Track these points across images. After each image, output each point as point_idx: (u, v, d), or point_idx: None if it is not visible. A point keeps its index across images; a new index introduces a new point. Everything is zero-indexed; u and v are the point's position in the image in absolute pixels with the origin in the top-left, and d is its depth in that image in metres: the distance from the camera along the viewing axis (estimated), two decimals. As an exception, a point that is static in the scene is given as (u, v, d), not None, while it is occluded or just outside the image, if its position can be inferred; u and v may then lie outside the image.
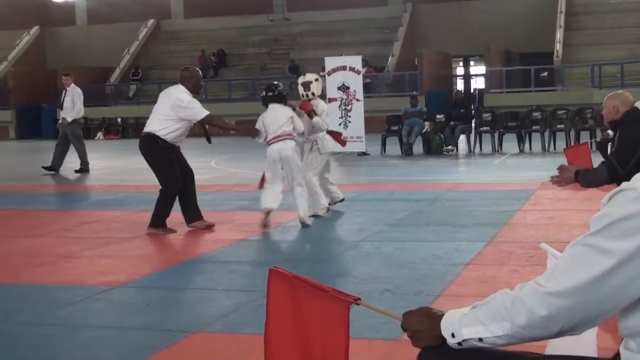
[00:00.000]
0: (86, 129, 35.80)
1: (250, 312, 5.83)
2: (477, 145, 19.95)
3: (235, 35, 40.05)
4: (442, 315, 2.18)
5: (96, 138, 34.87)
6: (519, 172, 15.22)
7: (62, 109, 18.78)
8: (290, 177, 9.62)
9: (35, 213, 11.83)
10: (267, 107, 9.99)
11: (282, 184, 9.68)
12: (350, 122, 20.19)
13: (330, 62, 20.84)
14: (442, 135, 19.97)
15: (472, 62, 41.26)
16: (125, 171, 18.19)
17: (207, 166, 18.26)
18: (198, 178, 15.61)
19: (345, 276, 6.58)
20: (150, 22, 41.64)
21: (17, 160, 24.41)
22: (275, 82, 10.67)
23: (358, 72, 20.36)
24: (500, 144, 19.81)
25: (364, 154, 19.96)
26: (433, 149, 19.79)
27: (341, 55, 22.95)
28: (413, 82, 32.24)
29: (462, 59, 40.45)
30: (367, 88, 24.88)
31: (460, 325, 2.10)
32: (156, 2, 41.77)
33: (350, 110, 20.20)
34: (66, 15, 43.65)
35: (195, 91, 9.86)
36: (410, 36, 36.56)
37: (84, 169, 18.00)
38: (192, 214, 9.59)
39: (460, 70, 41.79)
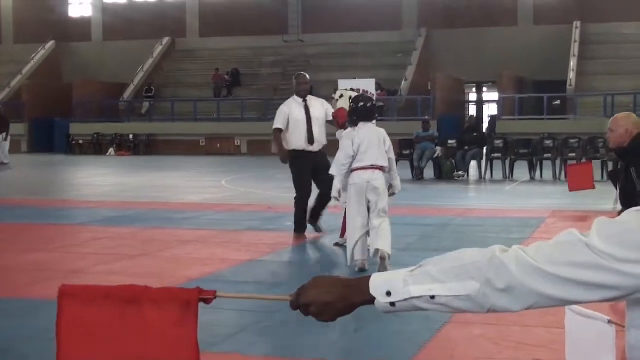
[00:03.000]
0: (98, 145, 36.02)
1: (257, 333, 5.83)
2: (488, 171, 19.93)
3: (249, 55, 40.21)
4: (356, 280, 2.02)
5: (108, 154, 34.98)
6: (529, 200, 15.18)
7: None
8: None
9: (46, 227, 11.86)
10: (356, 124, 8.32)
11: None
12: (361, 145, 20.17)
13: (344, 85, 20.84)
14: (453, 161, 19.95)
15: (485, 88, 41.29)
16: (136, 188, 18.22)
17: (217, 185, 18.30)
18: (208, 197, 15.72)
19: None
20: (166, 39, 41.84)
21: (29, 174, 24.49)
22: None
23: (371, 95, 20.39)
24: (512, 171, 19.78)
25: (373, 177, 19.92)
26: (444, 174, 19.77)
27: (354, 78, 23.00)
28: (426, 106, 32.28)
29: (475, 84, 40.50)
30: (380, 111, 24.86)
31: (405, 283, 1.93)
32: (172, 20, 41.99)
33: (362, 133, 20.20)
34: (82, 30, 43.91)
35: (298, 95, 10.73)
36: (424, 61, 36.64)
37: None
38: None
39: (473, 96, 41.83)
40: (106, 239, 10.38)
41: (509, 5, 37.22)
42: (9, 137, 27.81)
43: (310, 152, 10.50)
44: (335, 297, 2.00)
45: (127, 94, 39.20)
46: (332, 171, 8.33)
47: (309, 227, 10.49)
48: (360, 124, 8.19)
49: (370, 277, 1.98)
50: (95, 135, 36.45)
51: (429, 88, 34.07)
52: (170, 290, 2.37)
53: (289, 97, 11.04)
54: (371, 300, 1.97)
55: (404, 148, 21.10)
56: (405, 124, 28.86)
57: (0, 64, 43.31)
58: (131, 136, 36.01)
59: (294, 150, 10.40)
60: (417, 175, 19.69)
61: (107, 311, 2.40)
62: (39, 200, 15.81)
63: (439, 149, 20.16)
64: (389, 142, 8.34)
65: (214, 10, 41.59)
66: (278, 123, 10.65)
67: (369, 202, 8.12)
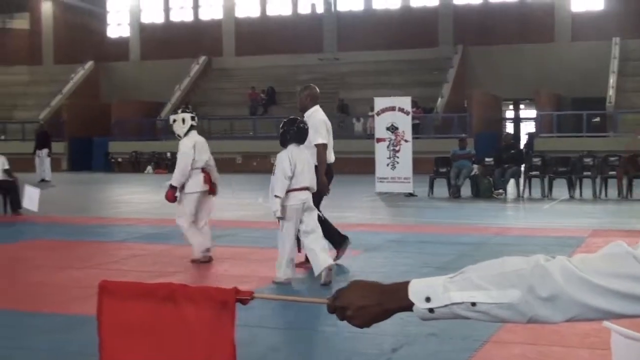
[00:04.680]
0: (136, 163, 36.34)
1: (294, 352, 5.83)
2: (526, 189, 19.78)
3: (285, 74, 40.37)
4: (394, 285, 1.98)
5: (146, 172, 35.25)
6: (569, 219, 15.03)
7: None
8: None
9: (86, 244, 11.98)
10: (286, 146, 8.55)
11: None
12: (398, 162, 20.20)
13: (380, 103, 20.92)
14: (490, 179, 19.83)
15: (522, 106, 41.04)
16: (174, 205, 18.30)
17: (254, 202, 18.35)
18: (244, 214, 15.77)
19: (390, 317, 6.54)
20: (202, 58, 42.18)
21: (69, 192, 24.76)
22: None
23: (407, 113, 20.40)
24: (550, 189, 19.61)
25: (411, 195, 19.90)
26: (481, 192, 19.65)
27: (390, 96, 23.02)
28: (462, 124, 32.17)
29: (512, 102, 40.27)
30: (415, 129, 24.92)
31: (445, 289, 1.89)
32: (208, 40, 42.34)
33: (398, 151, 20.21)
34: (120, 50, 44.44)
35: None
36: (460, 78, 36.55)
37: None
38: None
39: (510, 114, 41.60)
40: (144, 256, 10.46)
41: (547, 21, 37.02)
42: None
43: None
44: (371, 301, 1.97)
45: (165, 112, 39.48)
46: (277, 193, 8.28)
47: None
48: (291, 146, 8.37)
49: (408, 282, 1.96)
50: (133, 154, 36.78)
51: (465, 105, 33.95)
52: (208, 289, 2.37)
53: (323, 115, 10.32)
54: (409, 306, 1.94)
55: (440, 166, 21.04)
56: (442, 142, 28.78)
57: (41, 84, 43.97)
58: (169, 154, 36.22)
59: (329, 165, 9.70)
60: (454, 194, 19.60)
61: (145, 308, 2.41)
62: (79, 218, 15.97)
63: (476, 167, 20.06)
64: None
65: (250, 29, 41.87)
66: (323, 137, 9.49)
67: (300, 221, 8.35)
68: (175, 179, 9.99)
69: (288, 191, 8.30)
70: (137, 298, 2.45)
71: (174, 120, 10.25)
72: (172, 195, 9.96)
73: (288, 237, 8.40)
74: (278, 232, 8.58)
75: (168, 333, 2.41)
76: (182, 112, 10.38)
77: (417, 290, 1.93)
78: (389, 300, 1.97)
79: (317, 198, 8.95)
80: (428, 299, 1.91)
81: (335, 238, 9.69)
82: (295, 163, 8.30)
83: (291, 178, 8.29)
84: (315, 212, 8.59)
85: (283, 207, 8.29)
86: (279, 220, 8.46)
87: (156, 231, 13.22)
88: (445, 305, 1.89)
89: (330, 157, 9.62)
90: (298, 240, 8.75)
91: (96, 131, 38.05)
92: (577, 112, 32.28)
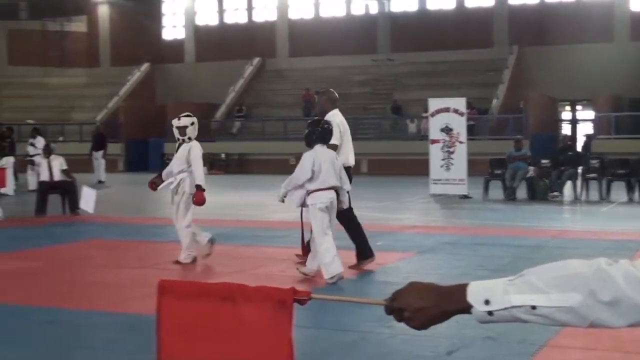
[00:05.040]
0: (191, 164, 36.62)
1: (349, 353, 5.83)
2: (584, 192, 19.50)
3: (338, 75, 40.38)
4: (452, 287, 1.97)
5: (200, 172, 35.52)
6: (628, 222, 14.78)
7: None
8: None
9: (142, 244, 12.13)
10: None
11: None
12: (452, 164, 20.07)
13: (434, 104, 20.81)
14: (547, 181, 19.60)
15: (579, 107, 40.50)
16: (228, 206, 18.45)
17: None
18: (298, 216, 15.76)
19: (446, 320, 6.50)
20: (256, 60, 42.40)
21: (125, 193, 25.08)
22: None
23: (462, 114, 20.25)
24: (608, 192, 19.30)
25: (465, 196, 19.76)
26: (537, 195, 19.42)
27: (444, 97, 22.88)
28: (518, 125, 31.84)
29: (569, 103, 39.75)
30: (470, 130, 24.72)
31: (505, 291, 1.88)
32: (262, 41, 42.55)
33: (453, 153, 20.08)
34: (175, 52, 44.88)
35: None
36: (515, 79, 36.18)
37: None
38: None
39: (566, 115, 41.07)
40: (200, 257, 10.54)
41: (605, 21, 36.44)
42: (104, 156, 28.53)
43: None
44: (429, 303, 1.96)
45: (219, 113, 39.82)
46: (284, 185, 8.65)
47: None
48: (317, 147, 8.53)
49: (467, 284, 1.95)
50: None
51: (521, 106, 33.62)
52: (266, 289, 2.38)
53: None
54: (467, 308, 1.93)
55: (495, 167, 20.85)
56: (497, 143, 28.54)
57: (98, 86, 44.64)
58: (223, 155, 36.53)
59: (347, 167, 9.44)
60: (509, 196, 19.41)
61: (204, 307, 2.43)
62: (135, 218, 16.17)
63: (532, 169, 19.84)
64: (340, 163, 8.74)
65: (304, 30, 41.98)
66: (336, 138, 9.25)
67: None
68: (202, 179, 10.24)
69: (315, 191, 8.45)
70: (195, 297, 2.47)
71: (192, 123, 10.28)
72: (203, 196, 10.15)
73: (322, 235, 8.43)
74: (312, 233, 8.63)
75: (226, 332, 2.42)
76: (189, 116, 10.52)
77: (476, 293, 1.92)
78: (447, 302, 1.96)
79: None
80: (487, 302, 1.90)
81: (364, 248, 9.58)
82: (321, 163, 8.44)
83: (313, 178, 8.42)
84: (335, 214, 8.72)
85: (309, 207, 8.49)
86: (311, 223, 8.61)
87: (211, 232, 13.30)
88: (505, 308, 1.87)
89: (349, 160, 9.59)
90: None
91: (152, 132, 38.48)
92: (636, 113, 31.74)
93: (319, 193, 8.46)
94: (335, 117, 9.52)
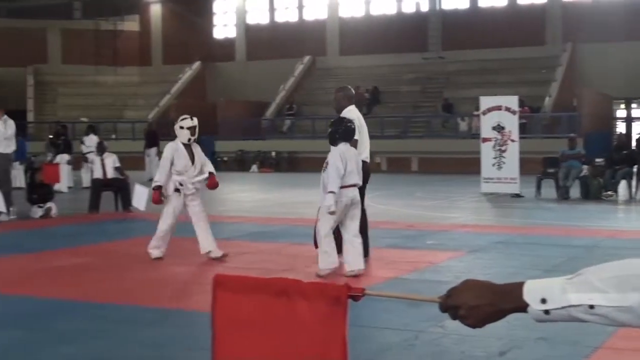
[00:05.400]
0: (242, 162, 36.89)
1: (402, 352, 5.81)
2: (639, 191, 19.17)
3: (389, 73, 40.27)
4: (509, 285, 1.94)
5: (251, 170, 35.73)
6: (683, 221, 14.52)
7: None
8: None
9: (194, 242, 12.20)
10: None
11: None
12: (504, 162, 19.90)
13: (486, 102, 20.65)
14: (601, 180, 19.31)
15: (634, 105, 39.83)
16: (279, 204, 18.53)
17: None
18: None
19: (496, 322, 6.44)
20: (307, 58, 42.46)
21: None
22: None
23: (514, 112, 20.07)
24: (663, 191, 18.97)
25: (517, 195, 19.57)
26: (591, 194, 19.13)
27: (496, 95, 22.69)
28: (571, 123, 31.41)
29: (624, 100, 39.12)
30: (522, 128, 24.47)
31: (563, 290, 1.85)
32: (313, 39, 42.59)
33: (504, 151, 19.91)
34: (226, 51, 45.15)
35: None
36: (568, 76, 35.70)
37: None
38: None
39: (621, 113, 40.41)
40: (251, 254, 10.61)
41: (660, 17, 35.82)
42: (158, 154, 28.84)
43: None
44: (484, 301, 1.94)
45: (269, 112, 39.98)
46: (332, 189, 8.54)
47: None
48: (341, 145, 8.72)
49: (523, 283, 1.93)
50: (239, 152, 37.34)
51: (575, 104, 33.19)
52: (320, 285, 2.38)
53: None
54: (523, 307, 1.91)
55: (548, 166, 20.61)
56: (550, 142, 28.23)
57: (150, 84, 45.13)
58: (273, 153, 36.67)
59: (364, 163, 9.64)
60: (563, 195, 19.17)
61: (259, 302, 2.43)
62: (187, 215, 16.26)
63: (586, 168, 19.57)
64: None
65: (354, 28, 41.93)
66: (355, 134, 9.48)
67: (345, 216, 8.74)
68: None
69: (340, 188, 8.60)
70: (250, 292, 2.48)
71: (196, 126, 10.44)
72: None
73: (329, 229, 8.70)
74: (318, 226, 8.82)
75: (281, 328, 2.43)
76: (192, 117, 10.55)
77: (532, 291, 1.90)
78: (503, 300, 1.93)
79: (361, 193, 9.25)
80: (544, 301, 1.87)
81: (365, 247, 9.57)
82: (346, 161, 8.63)
83: (343, 176, 8.60)
84: (359, 209, 8.92)
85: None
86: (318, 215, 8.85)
87: (262, 230, 13.39)
88: (562, 307, 1.85)
89: (364, 155, 9.75)
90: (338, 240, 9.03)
91: (203, 130, 38.24)
92: (693, 111, 31.15)
93: (342, 190, 8.63)
94: (352, 113, 9.69)
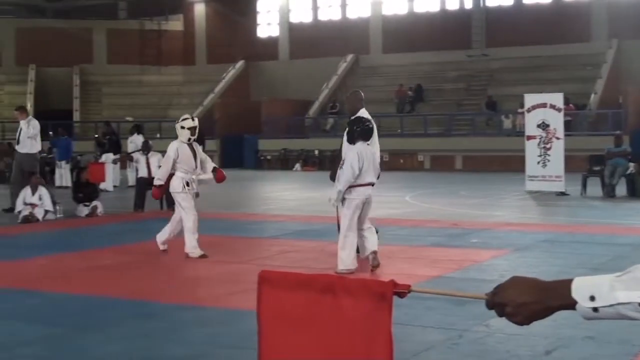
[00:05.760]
0: (285, 160, 37.00)
1: (446, 351, 5.79)
2: (687, 188, 18.87)
3: (432, 71, 40.11)
4: (556, 282, 1.94)
5: (294, 169, 35.83)
6: None
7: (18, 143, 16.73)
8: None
9: (239, 240, 12.29)
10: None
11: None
12: (549, 160, 19.74)
13: (530, 99, 20.49)
14: (647, 177, 19.02)
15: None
16: (322, 202, 18.49)
17: (402, 201, 18.33)
18: (392, 212, 15.74)
19: (541, 321, 6.40)
20: (350, 56, 42.43)
21: (221, 189, 25.40)
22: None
23: (559, 110, 19.89)
24: None
25: (562, 193, 19.38)
26: (638, 192, 18.89)
27: (541, 92, 22.49)
28: (617, 121, 31.03)
29: (670, 97, 38.52)
30: (567, 126, 24.21)
31: (612, 288, 1.85)
32: (356, 37, 42.53)
33: (549, 149, 19.75)
34: (270, 50, 45.28)
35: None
36: (614, 73, 35.24)
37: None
38: None
39: (667, 110, 39.81)
40: (295, 252, 10.64)
41: None
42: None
43: None
44: (532, 298, 1.93)
45: (312, 110, 40.03)
46: (340, 187, 8.87)
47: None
48: (359, 144, 8.93)
49: (571, 280, 1.92)
50: (282, 151, 37.46)
51: (620, 101, 32.76)
52: (366, 281, 2.39)
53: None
54: (571, 304, 1.90)
55: (594, 164, 20.38)
56: (595, 139, 27.92)
57: (195, 84, 45.45)
58: (316, 152, 36.72)
59: None
60: (609, 193, 18.93)
61: (304, 298, 2.46)
62: (231, 214, 16.40)
63: (632, 165, 19.31)
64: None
65: (397, 26, 41.80)
66: None
67: (360, 212, 8.99)
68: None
69: (354, 186, 8.85)
70: (296, 288, 2.50)
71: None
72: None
73: (349, 228, 8.89)
74: (341, 225, 9.04)
75: (326, 324, 2.44)
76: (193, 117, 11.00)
77: (581, 288, 1.89)
78: (550, 297, 1.93)
79: None
80: (592, 298, 1.87)
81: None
82: (363, 160, 8.83)
83: (358, 175, 8.80)
84: (371, 206, 9.22)
85: (345, 200, 8.90)
86: (337, 214, 9.21)
87: (306, 228, 13.42)
88: (611, 305, 1.84)
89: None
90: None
91: (247, 129, 38.96)
92: None
93: (358, 189, 8.89)
94: (365, 115, 9.99)
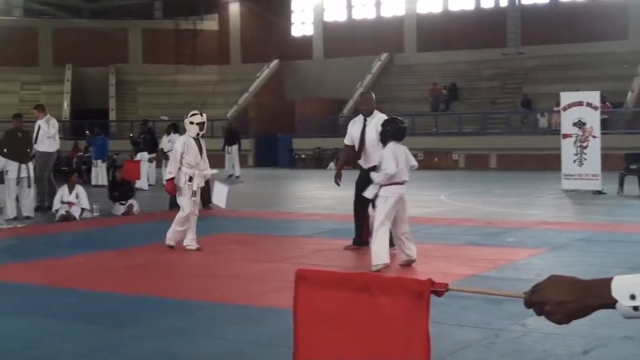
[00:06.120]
0: (319, 159, 37.02)
1: (482, 350, 5.77)
2: None
3: (467, 69, 39.92)
4: (595, 281, 1.91)
5: (328, 168, 35.79)
6: None
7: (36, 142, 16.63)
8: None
9: (274, 239, 12.33)
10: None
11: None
12: (585, 159, 19.57)
13: (566, 97, 20.33)
14: (686, 176, 18.77)
15: None
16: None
17: (436, 200, 18.27)
18: (427, 211, 15.70)
19: (579, 320, 6.35)
20: (384, 55, 42.34)
21: (255, 188, 25.54)
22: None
23: (595, 108, 19.71)
24: None
25: (599, 192, 19.19)
26: (676, 190, 18.65)
27: (577, 90, 22.30)
28: (654, 119, 30.69)
29: None
30: (604, 124, 23.98)
31: None
32: (390, 36, 42.45)
33: (586, 147, 19.58)
34: (304, 49, 45.32)
35: (362, 114, 10.93)
36: (652, 71, 34.85)
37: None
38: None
39: None
40: (330, 251, 10.65)
41: None
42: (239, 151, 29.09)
43: (364, 168, 10.76)
44: (571, 297, 1.92)
45: (347, 109, 39.99)
46: (378, 180, 9.03)
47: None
48: (391, 144, 9.10)
49: (611, 279, 1.90)
50: (316, 150, 37.48)
51: (658, 99, 32.39)
52: (403, 280, 2.39)
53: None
54: (611, 303, 1.89)
55: (631, 162, 20.15)
56: (632, 137, 27.64)
57: (229, 83, 45.64)
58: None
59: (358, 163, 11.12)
60: (646, 191, 18.72)
61: (340, 297, 2.46)
62: (265, 213, 16.45)
63: (670, 164, 19.08)
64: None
65: (432, 24, 41.66)
66: (346, 139, 11.28)
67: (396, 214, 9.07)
68: None
69: (388, 185, 8.97)
70: (332, 287, 2.50)
71: None
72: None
73: (382, 225, 8.97)
74: (375, 220, 9.14)
75: (363, 322, 2.44)
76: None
77: (621, 287, 1.88)
78: (590, 296, 1.91)
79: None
80: (633, 297, 1.85)
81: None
82: (398, 159, 9.00)
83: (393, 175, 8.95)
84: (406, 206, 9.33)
85: (379, 197, 9.02)
86: (376, 212, 9.19)
87: (341, 227, 13.40)
88: None
89: None
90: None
91: (281, 128, 39.04)
92: None
93: (392, 187, 9.01)
94: (379, 115, 10.54)
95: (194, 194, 10.98)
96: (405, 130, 9.49)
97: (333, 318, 2.52)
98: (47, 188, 16.61)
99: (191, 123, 11.15)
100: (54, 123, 16.95)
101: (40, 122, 16.76)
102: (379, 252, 8.94)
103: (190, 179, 10.94)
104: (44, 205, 16.40)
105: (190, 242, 10.91)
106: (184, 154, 10.94)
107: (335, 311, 2.52)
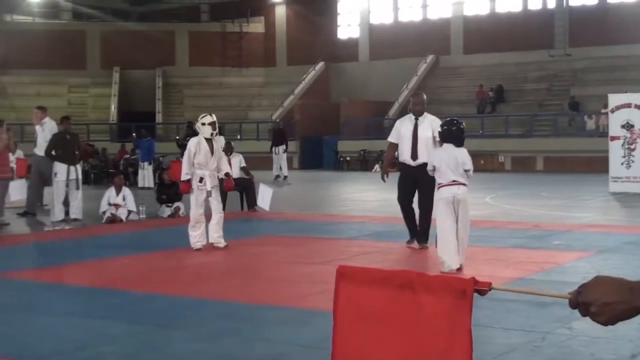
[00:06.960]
0: (364, 161, 36.99)
1: (528, 354, 5.72)
2: None
3: (514, 71, 39.62)
4: None
5: (373, 170, 35.76)
6: None
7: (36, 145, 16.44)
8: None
9: (318, 241, 12.34)
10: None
11: None
12: (633, 161, 19.36)
13: (614, 99, 20.11)
14: None
15: None
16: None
17: (482, 202, 18.13)
18: (474, 213, 15.56)
19: (626, 323, 6.27)
20: (430, 57, 42.20)
21: (300, 190, 25.59)
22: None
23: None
24: None
25: (649, 195, 18.94)
26: None
27: (625, 92, 22.03)
28: None
29: None
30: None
31: None
32: (436, 38, 42.30)
33: (634, 149, 19.38)
34: (350, 51, 45.34)
35: (413, 114, 11.07)
36: (703, 72, 34.27)
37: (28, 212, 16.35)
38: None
39: None
40: (375, 253, 10.63)
41: None
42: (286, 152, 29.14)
43: (412, 166, 10.94)
44: (618, 298, 1.89)
45: (392, 111, 39.90)
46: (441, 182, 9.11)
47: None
48: (445, 145, 9.22)
49: None
50: (361, 152, 37.45)
51: None
52: (446, 278, 2.38)
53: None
54: None
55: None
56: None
57: (275, 85, 45.80)
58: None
59: (402, 163, 11.26)
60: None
61: (382, 294, 2.47)
62: (310, 215, 16.47)
63: None
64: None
65: (479, 26, 41.42)
66: (390, 137, 11.50)
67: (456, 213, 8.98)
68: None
69: (441, 186, 9.05)
70: (374, 284, 2.50)
71: None
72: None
73: (444, 228, 8.94)
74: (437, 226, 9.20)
75: (404, 320, 2.43)
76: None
77: None
78: (638, 297, 1.88)
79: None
80: None
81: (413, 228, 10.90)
82: (441, 160, 9.09)
83: (436, 173, 9.11)
84: (467, 209, 9.15)
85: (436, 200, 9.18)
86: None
87: (386, 229, 13.39)
88: None
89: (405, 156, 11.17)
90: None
91: (326, 130, 39.09)
92: None
93: (443, 188, 9.04)
94: (430, 116, 10.98)
95: (209, 193, 11.09)
96: (464, 133, 9.58)
97: (373, 315, 2.51)
98: (36, 193, 16.48)
99: (203, 124, 11.27)
100: (50, 127, 16.15)
101: (37, 127, 16.28)
102: (446, 259, 8.85)
103: (201, 179, 11.06)
104: (32, 210, 16.28)
105: (199, 239, 11.13)
106: (196, 154, 11.08)
107: (375, 308, 2.51)
